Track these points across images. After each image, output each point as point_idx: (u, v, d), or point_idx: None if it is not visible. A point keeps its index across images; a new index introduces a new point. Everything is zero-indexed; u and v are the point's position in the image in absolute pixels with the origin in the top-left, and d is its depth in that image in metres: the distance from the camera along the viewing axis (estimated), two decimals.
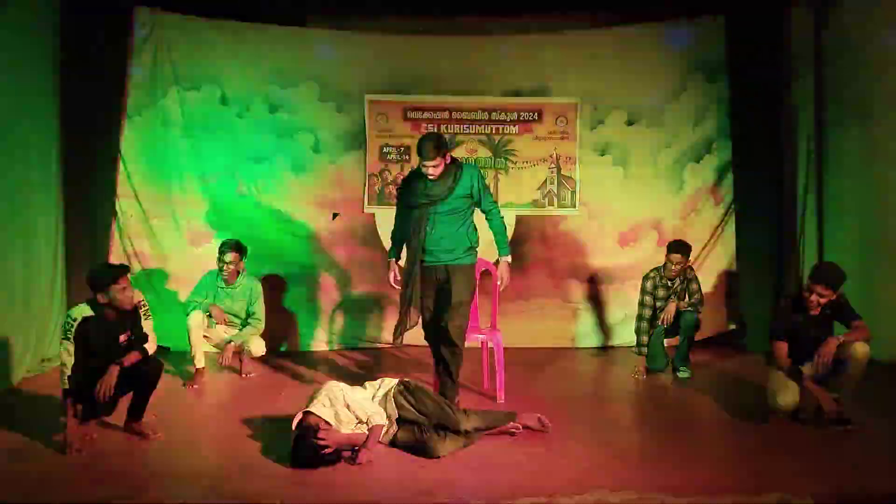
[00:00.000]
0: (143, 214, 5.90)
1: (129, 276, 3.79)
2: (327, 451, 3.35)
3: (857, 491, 3.11)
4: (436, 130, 4.28)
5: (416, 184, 4.21)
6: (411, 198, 4.22)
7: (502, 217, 4.37)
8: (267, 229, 6.06)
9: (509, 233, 6.11)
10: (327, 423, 3.46)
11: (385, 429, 3.63)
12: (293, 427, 3.51)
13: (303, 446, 3.36)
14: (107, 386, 3.59)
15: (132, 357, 3.70)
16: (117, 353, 3.69)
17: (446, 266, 4.19)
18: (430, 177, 4.09)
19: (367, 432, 3.55)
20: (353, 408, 3.60)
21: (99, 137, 5.64)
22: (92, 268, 3.90)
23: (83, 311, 3.64)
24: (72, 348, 3.57)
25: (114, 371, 3.61)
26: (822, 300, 3.92)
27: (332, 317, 6.16)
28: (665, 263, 5.12)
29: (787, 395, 4.00)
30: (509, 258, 4.38)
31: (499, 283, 4.39)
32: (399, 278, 4.36)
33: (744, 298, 5.99)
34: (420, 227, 4.16)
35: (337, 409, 3.55)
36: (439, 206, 4.14)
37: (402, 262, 4.39)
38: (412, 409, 3.66)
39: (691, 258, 5.43)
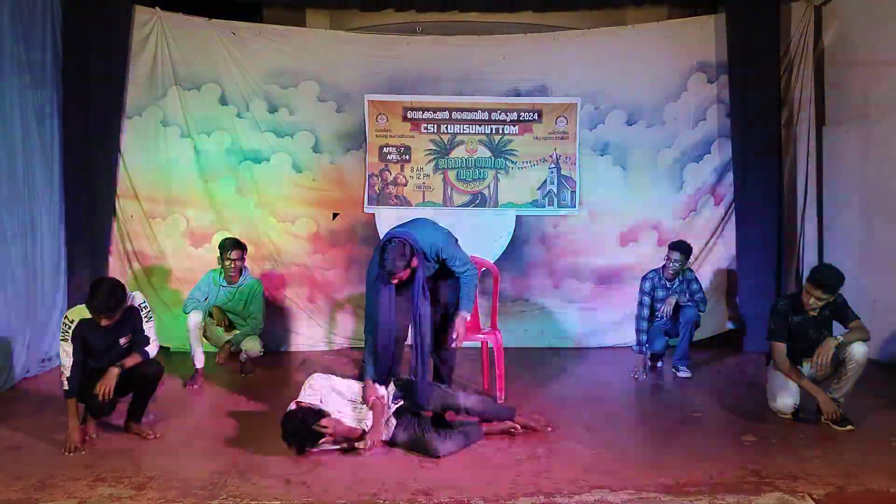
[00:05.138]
0: (143, 214, 5.90)
1: (123, 305, 3.61)
2: (328, 438, 3.44)
3: (857, 491, 3.11)
4: (404, 243, 3.79)
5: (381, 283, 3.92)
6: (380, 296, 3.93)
7: (474, 276, 4.06)
8: (267, 229, 6.07)
9: (508, 233, 6.18)
10: (328, 413, 3.52)
11: (384, 427, 3.65)
12: (283, 418, 3.56)
13: (295, 422, 3.46)
14: (107, 387, 3.58)
15: (133, 359, 3.70)
16: (118, 356, 3.70)
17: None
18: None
19: (365, 428, 3.58)
20: (339, 390, 3.67)
21: (99, 137, 5.63)
22: (93, 291, 3.57)
23: (81, 312, 3.63)
24: (70, 349, 3.57)
25: (114, 372, 3.61)
26: (819, 303, 3.93)
27: (332, 317, 6.15)
28: (664, 263, 5.14)
29: (787, 395, 4.02)
30: (467, 315, 4.03)
31: (454, 337, 4.00)
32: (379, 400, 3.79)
33: (744, 298, 5.98)
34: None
35: (322, 396, 3.60)
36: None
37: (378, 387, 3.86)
38: (409, 397, 3.73)
39: (691, 258, 5.46)
